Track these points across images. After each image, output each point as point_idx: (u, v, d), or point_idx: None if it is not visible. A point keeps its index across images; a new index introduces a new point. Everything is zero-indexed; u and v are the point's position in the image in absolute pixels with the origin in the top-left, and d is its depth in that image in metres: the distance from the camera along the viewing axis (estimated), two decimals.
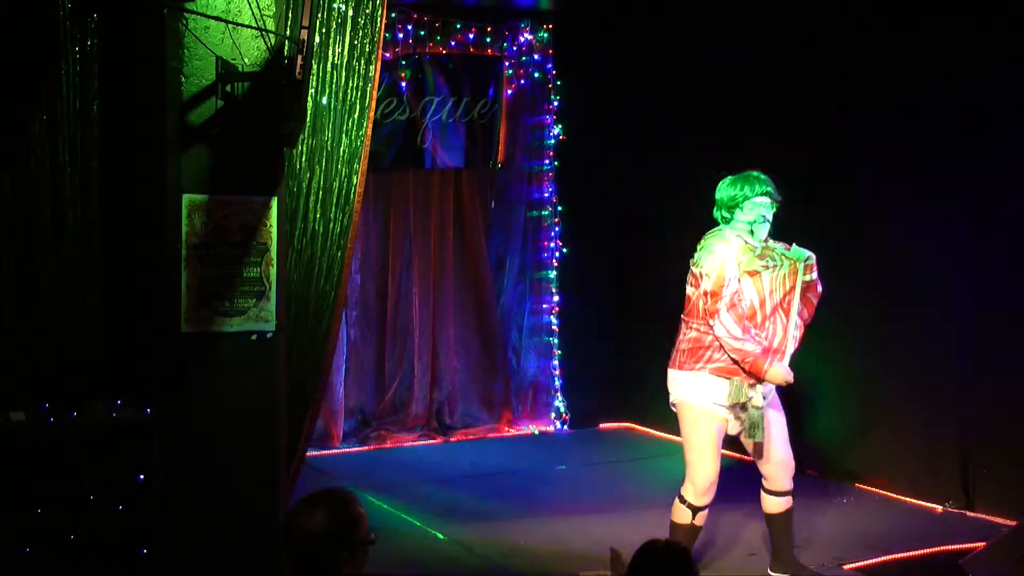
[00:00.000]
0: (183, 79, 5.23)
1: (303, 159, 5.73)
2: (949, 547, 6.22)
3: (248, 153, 5.34)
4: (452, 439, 9.14)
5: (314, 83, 5.62)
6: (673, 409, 5.68)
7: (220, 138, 5.28)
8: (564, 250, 9.57)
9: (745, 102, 8.34)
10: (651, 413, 9.41)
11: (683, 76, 8.84)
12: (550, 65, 9.42)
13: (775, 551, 5.81)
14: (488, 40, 9.15)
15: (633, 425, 9.57)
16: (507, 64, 9.30)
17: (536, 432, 9.46)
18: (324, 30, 5.67)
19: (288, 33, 5.29)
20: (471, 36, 9.05)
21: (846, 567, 6.04)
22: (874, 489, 7.48)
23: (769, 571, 5.80)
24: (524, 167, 9.54)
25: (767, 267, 5.43)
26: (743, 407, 5.44)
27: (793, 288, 5.45)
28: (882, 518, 6.95)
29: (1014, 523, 6.08)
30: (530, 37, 9.31)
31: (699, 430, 5.51)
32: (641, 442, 9.19)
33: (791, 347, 5.52)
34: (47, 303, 5.27)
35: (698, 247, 5.55)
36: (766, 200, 5.45)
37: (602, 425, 9.50)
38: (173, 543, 5.20)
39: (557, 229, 9.57)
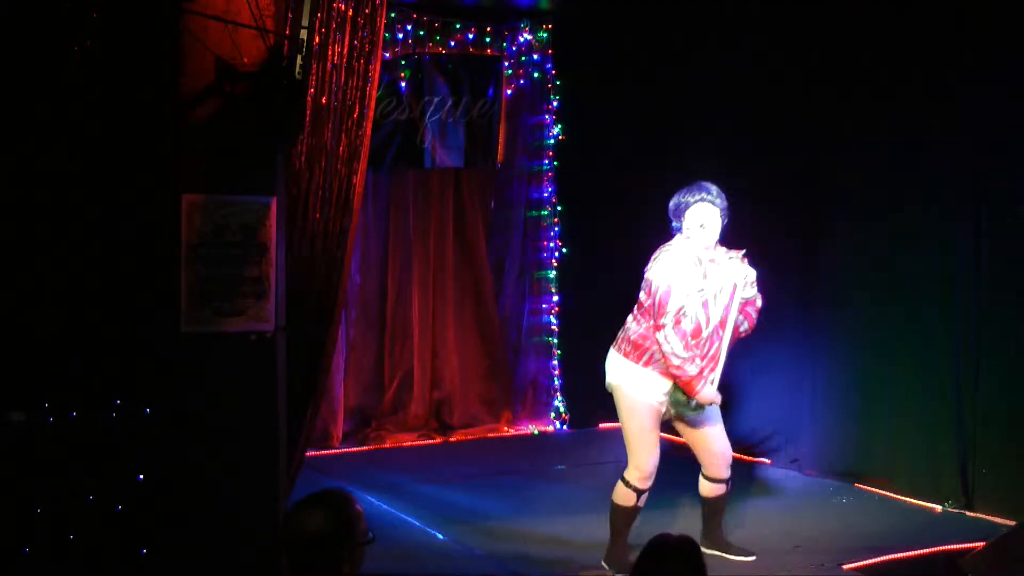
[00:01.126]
0: (182, 79, 5.23)
1: (303, 159, 5.73)
2: (949, 547, 6.22)
3: (248, 153, 5.34)
4: (452, 439, 9.14)
5: (314, 83, 5.62)
6: (608, 390, 5.93)
7: (220, 138, 5.27)
8: (564, 250, 9.58)
9: (745, 101, 8.34)
10: None
11: (683, 76, 8.84)
12: (549, 65, 9.43)
13: (705, 529, 6.08)
14: (487, 40, 9.15)
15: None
16: (506, 64, 9.30)
17: (536, 432, 9.47)
18: (324, 30, 5.67)
19: (288, 33, 5.29)
20: (471, 36, 9.05)
21: (846, 567, 6.04)
22: (874, 489, 7.48)
23: (703, 547, 5.76)
24: (523, 167, 9.54)
25: (712, 284, 5.68)
26: (683, 404, 5.75)
27: (730, 304, 5.71)
28: (882, 518, 6.95)
29: (1014, 523, 6.08)
30: (529, 37, 9.31)
31: (639, 417, 5.78)
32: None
33: (722, 364, 5.78)
34: (47, 303, 5.27)
35: (653, 257, 5.78)
36: (707, 207, 5.70)
37: (602, 425, 9.48)
38: (173, 543, 5.20)
39: (557, 229, 9.57)
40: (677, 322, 5.59)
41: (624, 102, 9.20)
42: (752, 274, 5.82)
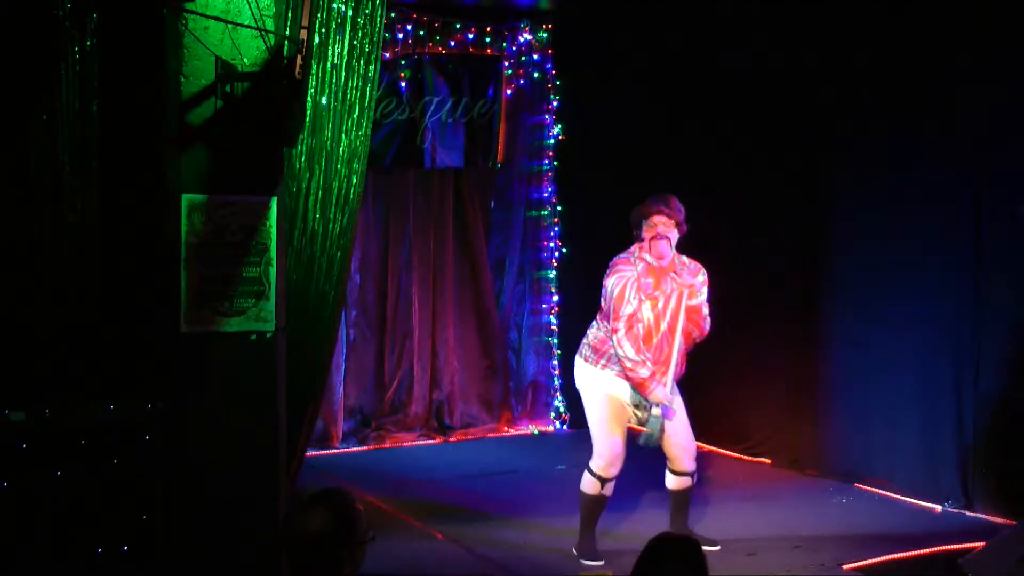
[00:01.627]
0: (183, 79, 5.23)
1: (303, 159, 5.73)
2: (949, 547, 6.22)
3: (248, 153, 5.34)
4: (452, 439, 9.15)
5: (314, 83, 5.61)
6: (579, 391, 6.29)
7: (220, 138, 5.27)
8: (564, 250, 9.58)
9: (745, 101, 8.34)
10: None
11: (683, 76, 8.84)
12: (549, 65, 9.43)
13: (672, 522, 6.34)
14: (487, 40, 9.15)
15: (633, 425, 9.55)
16: (506, 64, 9.30)
17: (536, 432, 9.47)
18: (324, 30, 5.66)
19: (288, 33, 5.29)
20: (470, 36, 9.05)
21: (846, 567, 6.04)
22: (874, 489, 7.48)
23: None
24: (523, 167, 9.55)
25: (663, 292, 6.00)
26: (643, 408, 6.06)
27: (678, 311, 6.03)
28: (882, 518, 6.95)
29: (1014, 523, 6.08)
30: (529, 37, 9.31)
31: (603, 409, 6.11)
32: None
33: (674, 368, 6.08)
34: (47, 303, 5.27)
35: (610, 264, 6.09)
36: (662, 218, 5.95)
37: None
38: (173, 543, 5.20)
39: (557, 229, 9.57)
40: (629, 327, 5.93)
41: (624, 102, 9.19)
42: (700, 283, 6.15)
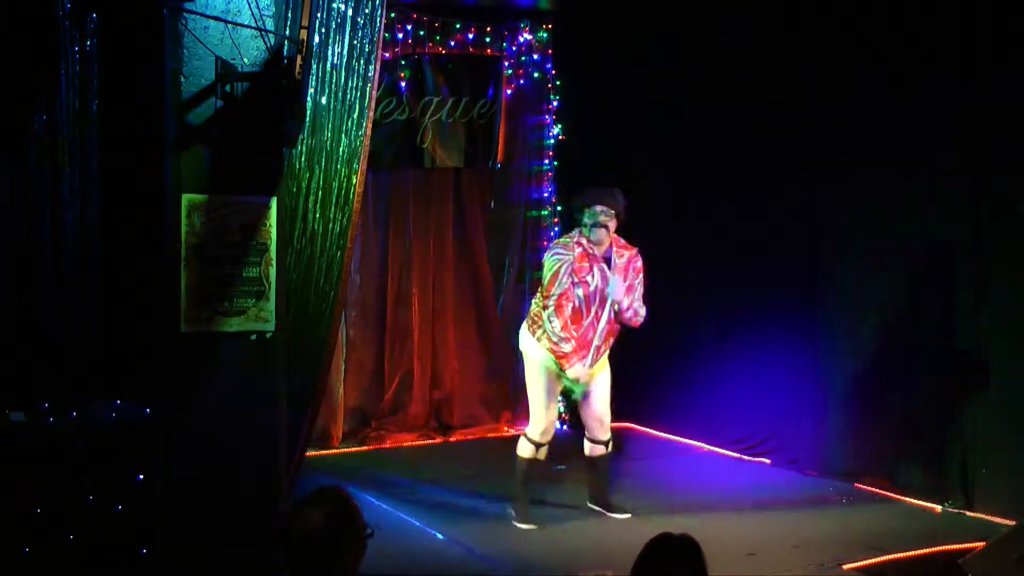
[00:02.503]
0: (182, 79, 5.23)
1: (303, 159, 5.73)
2: (949, 547, 6.22)
3: (248, 153, 5.34)
4: (452, 439, 9.14)
5: (314, 83, 5.62)
6: (520, 356, 6.92)
7: (220, 138, 5.28)
8: None
9: (744, 101, 8.34)
10: (651, 413, 9.41)
11: (683, 75, 8.85)
12: (549, 65, 9.42)
13: (591, 489, 6.99)
14: (487, 40, 9.15)
15: (633, 425, 9.56)
16: (506, 64, 9.29)
17: None
18: (324, 30, 5.67)
19: (288, 33, 5.29)
20: (471, 36, 9.05)
21: (846, 567, 6.04)
22: (874, 489, 7.48)
23: (588, 503, 6.96)
24: (524, 167, 9.54)
25: (594, 278, 6.49)
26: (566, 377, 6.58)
27: (607, 296, 6.52)
28: (882, 518, 6.95)
29: (1014, 523, 6.08)
30: (529, 37, 9.31)
31: (538, 379, 6.67)
32: (641, 442, 9.18)
33: (594, 351, 6.55)
34: (47, 303, 5.27)
35: (550, 246, 6.75)
36: (601, 207, 6.49)
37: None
38: (173, 543, 5.20)
39: (557, 229, 9.56)
40: (559, 305, 6.46)
41: (624, 102, 9.19)
42: (637, 269, 6.66)
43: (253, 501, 5.39)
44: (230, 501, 5.33)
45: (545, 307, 6.51)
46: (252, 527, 5.37)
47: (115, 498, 5.03)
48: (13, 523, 4.87)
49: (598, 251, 6.55)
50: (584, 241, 6.53)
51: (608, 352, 6.74)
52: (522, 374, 9.58)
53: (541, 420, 6.69)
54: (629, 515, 6.83)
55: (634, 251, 6.71)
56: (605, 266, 6.55)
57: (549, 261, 6.56)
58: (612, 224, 6.53)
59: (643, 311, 6.71)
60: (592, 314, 6.52)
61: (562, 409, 9.53)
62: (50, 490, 4.94)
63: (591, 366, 6.58)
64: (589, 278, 6.51)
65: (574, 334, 6.48)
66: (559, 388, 6.79)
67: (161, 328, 5.28)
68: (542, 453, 6.74)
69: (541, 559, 6.28)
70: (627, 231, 8.96)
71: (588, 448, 6.88)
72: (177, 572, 5.22)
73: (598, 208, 6.50)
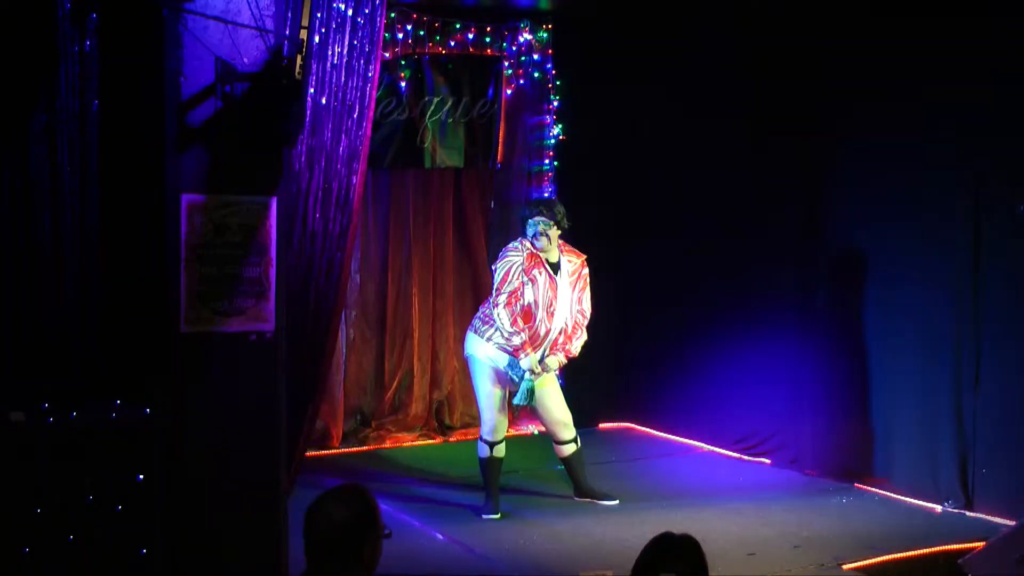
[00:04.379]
0: (182, 79, 5.23)
1: (303, 159, 5.72)
2: (949, 547, 6.22)
3: (248, 153, 5.33)
4: (452, 439, 9.14)
5: (314, 83, 5.61)
6: (465, 361, 7.31)
7: (219, 138, 5.27)
8: None
9: (744, 101, 8.34)
10: (651, 413, 9.41)
11: (683, 75, 8.84)
12: (550, 65, 9.41)
13: (574, 484, 7.32)
14: (488, 40, 9.14)
15: (633, 425, 9.57)
16: (506, 64, 9.29)
17: (536, 432, 9.45)
18: (324, 30, 5.67)
19: (288, 33, 5.29)
20: (471, 36, 9.04)
21: (846, 567, 6.04)
22: (874, 489, 7.48)
23: (574, 497, 7.29)
24: (524, 167, 9.52)
25: (542, 280, 6.94)
26: (516, 374, 6.97)
27: (554, 299, 6.98)
28: (882, 518, 6.95)
29: (1014, 523, 6.08)
30: (530, 37, 9.30)
31: (485, 380, 7.06)
32: (641, 442, 9.19)
33: (546, 349, 7.02)
34: (47, 303, 5.27)
35: (502, 250, 7.12)
36: (541, 218, 6.95)
37: (602, 425, 9.49)
38: (173, 543, 5.20)
39: None
40: (509, 303, 6.89)
41: (624, 102, 9.19)
42: (583, 275, 7.12)
43: (253, 501, 5.39)
44: (230, 501, 5.33)
45: (495, 304, 6.93)
46: (252, 527, 5.37)
47: (115, 498, 5.03)
48: (13, 523, 4.86)
49: (545, 256, 6.99)
50: (528, 246, 7.00)
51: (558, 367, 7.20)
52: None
53: (491, 420, 7.06)
54: (617, 500, 7.21)
55: (582, 259, 7.14)
56: (551, 272, 7.00)
57: (501, 263, 6.98)
58: (552, 232, 6.96)
59: (588, 313, 7.16)
60: (542, 312, 6.95)
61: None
62: (50, 490, 4.93)
63: (541, 362, 6.99)
64: (537, 277, 6.93)
65: (525, 329, 6.90)
66: (505, 386, 7.10)
67: (161, 328, 5.28)
68: (498, 451, 7.09)
69: (541, 559, 6.28)
70: (627, 232, 9.00)
71: (559, 450, 7.29)
72: (177, 572, 5.21)
73: (538, 219, 6.95)
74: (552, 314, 6.99)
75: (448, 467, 8.27)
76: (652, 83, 9.07)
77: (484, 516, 6.97)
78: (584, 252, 8.72)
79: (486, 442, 7.08)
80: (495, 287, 6.96)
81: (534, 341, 6.96)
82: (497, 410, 7.08)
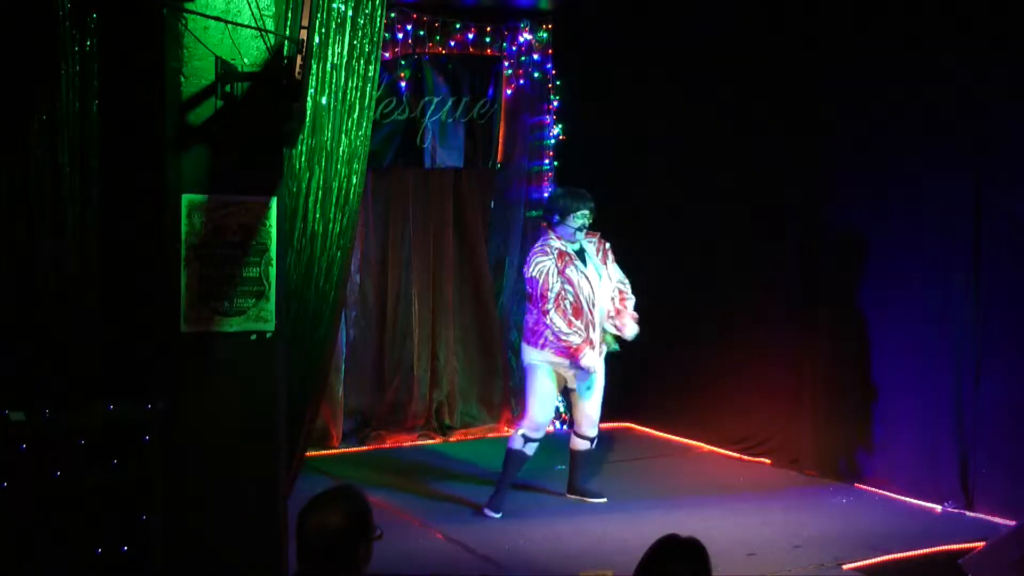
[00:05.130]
0: (182, 79, 5.22)
1: (303, 159, 5.72)
2: (949, 547, 6.23)
3: (248, 153, 5.33)
4: (451, 439, 9.14)
5: (314, 83, 5.61)
6: (524, 370, 7.30)
7: (220, 138, 5.27)
8: None
9: (744, 100, 8.35)
10: (651, 413, 9.42)
11: (683, 75, 8.85)
12: (550, 65, 9.42)
13: (570, 480, 7.43)
14: (488, 40, 9.15)
15: (633, 425, 9.57)
16: (507, 64, 9.30)
17: None
18: (324, 30, 5.66)
19: (288, 33, 5.29)
20: (470, 36, 9.05)
21: (846, 567, 6.04)
22: (874, 489, 7.48)
23: (566, 494, 7.39)
24: (524, 167, 9.54)
25: (579, 270, 6.96)
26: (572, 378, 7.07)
27: (595, 282, 7.01)
28: (882, 518, 6.96)
29: (1014, 523, 6.08)
30: (530, 37, 9.31)
31: (543, 379, 7.08)
32: (641, 442, 9.19)
33: (599, 331, 7.05)
34: (47, 303, 5.26)
35: (527, 259, 7.09)
36: (586, 211, 7.01)
37: (602, 425, 9.48)
38: (173, 543, 5.20)
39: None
40: (557, 304, 6.89)
41: (624, 102, 9.20)
42: (606, 251, 7.17)
43: (253, 501, 5.39)
44: (230, 501, 5.33)
45: (544, 312, 6.92)
46: (252, 527, 5.37)
47: (115, 498, 5.03)
48: (13, 523, 4.86)
49: (572, 248, 7.04)
50: (557, 243, 7.03)
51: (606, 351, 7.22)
52: (520, 377, 9.65)
53: (535, 416, 7.12)
54: (605, 499, 7.31)
55: (596, 236, 7.21)
56: (580, 262, 7.04)
57: (534, 271, 6.97)
58: (588, 223, 7.07)
59: (630, 298, 7.22)
60: (586, 304, 6.96)
61: (561, 409, 9.55)
62: (50, 490, 4.93)
63: (600, 354, 7.08)
64: (571, 273, 6.94)
65: (579, 328, 6.91)
66: (557, 391, 7.25)
67: (161, 328, 5.28)
68: (530, 449, 7.15)
69: (541, 559, 6.28)
70: (626, 231, 8.99)
71: (574, 442, 7.37)
72: (177, 572, 5.21)
73: (585, 212, 7.01)
74: (595, 303, 7.01)
75: (448, 467, 8.28)
76: (652, 83, 9.07)
77: (486, 511, 7.01)
78: None
79: (526, 438, 7.12)
80: (538, 295, 6.96)
81: (588, 329, 6.96)
82: (544, 411, 7.16)
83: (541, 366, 7.07)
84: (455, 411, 9.32)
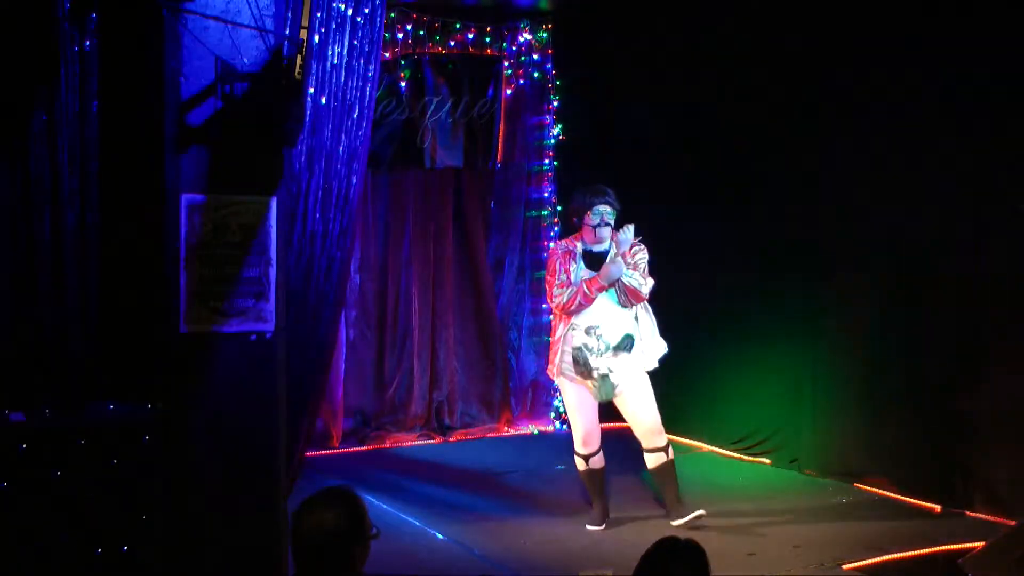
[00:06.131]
0: (182, 79, 5.22)
1: (303, 159, 5.72)
2: (949, 547, 6.22)
3: (248, 153, 5.33)
4: (451, 439, 9.15)
5: (314, 83, 5.61)
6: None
7: (219, 138, 5.27)
8: None
9: (744, 100, 8.34)
10: None
11: (682, 75, 8.84)
12: (549, 65, 9.42)
13: (665, 501, 6.88)
14: (487, 40, 9.15)
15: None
16: (506, 64, 9.30)
17: (535, 432, 9.47)
18: (324, 30, 5.66)
19: (288, 33, 5.29)
20: (470, 36, 9.05)
21: (846, 567, 6.04)
22: (874, 489, 7.48)
23: (670, 522, 6.71)
24: (523, 167, 9.54)
25: (577, 266, 6.65)
26: (599, 376, 6.64)
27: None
28: (882, 518, 6.95)
29: (1014, 523, 6.08)
30: (529, 37, 9.31)
31: (570, 399, 6.85)
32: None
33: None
34: (47, 303, 5.26)
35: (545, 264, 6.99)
36: (605, 206, 6.66)
37: (602, 425, 9.48)
38: (173, 543, 5.20)
39: (557, 229, 9.56)
40: (563, 286, 6.59)
41: (624, 102, 9.20)
42: (640, 259, 6.74)
43: (253, 501, 5.39)
44: (230, 501, 5.33)
45: (551, 297, 6.71)
46: (252, 527, 5.37)
47: (115, 498, 5.03)
48: (12, 523, 4.86)
49: (599, 247, 6.72)
50: (563, 243, 6.87)
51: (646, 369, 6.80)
52: (522, 374, 9.67)
53: (579, 433, 6.86)
54: (703, 512, 6.70)
55: (637, 240, 6.82)
56: (583, 261, 6.73)
57: (547, 269, 6.82)
58: (613, 221, 6.72)
59: (648, 290, 6.77)
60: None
61: (562, 408, 9.55)
62: (50, 490, 4.93)
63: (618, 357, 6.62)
64: (572, 273, 6.67)
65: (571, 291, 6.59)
66: (590, 400, 6.78)
67: (161, 328, 5.28)
68: (594, 462, 6.88)
69: (541, 559, 6.28)
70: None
71: (648, 459, 6.85)
72: (177, 572, 5.21)
73: (603, 206, 6.68)
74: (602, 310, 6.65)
75: (448, 467, 8.28)
76: (652, 83, 9.07)
77: (588, 527, 6.76)
78: None
79: (580, 456, 6.87)
80: (547, 292, 6.80)
81: (586, 306, 6.56)
82: (585, 426, 6.81)
83: (568, 384, 6.79)
84: (455, 411, 9.33)
